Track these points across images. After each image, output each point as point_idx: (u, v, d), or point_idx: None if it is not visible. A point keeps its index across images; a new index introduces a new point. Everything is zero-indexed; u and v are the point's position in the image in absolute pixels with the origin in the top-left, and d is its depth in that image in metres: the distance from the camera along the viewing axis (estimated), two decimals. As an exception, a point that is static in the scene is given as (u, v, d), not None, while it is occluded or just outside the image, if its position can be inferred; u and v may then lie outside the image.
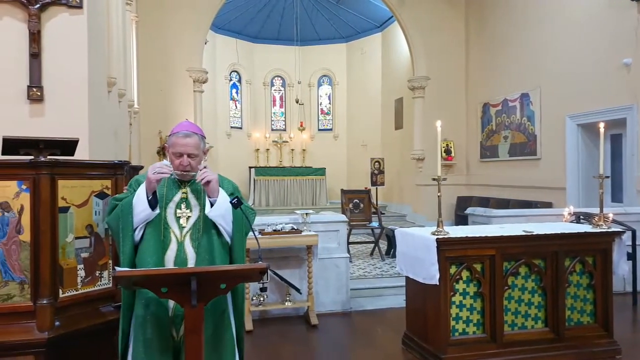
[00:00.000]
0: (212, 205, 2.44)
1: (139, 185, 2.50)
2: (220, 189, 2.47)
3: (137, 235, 2.44)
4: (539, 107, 8.78)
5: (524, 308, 4.10)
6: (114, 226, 2.47)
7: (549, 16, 8.55)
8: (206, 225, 2.47)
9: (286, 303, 5.37)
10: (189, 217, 2.45)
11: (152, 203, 2.38)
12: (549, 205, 8.17)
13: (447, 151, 11.25)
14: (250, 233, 2.60)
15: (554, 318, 4.12)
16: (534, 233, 4.12)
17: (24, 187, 3.17)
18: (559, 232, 4.17)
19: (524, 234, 4.10)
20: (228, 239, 2.53)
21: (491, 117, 10.39)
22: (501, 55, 10.03)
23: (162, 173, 2.36)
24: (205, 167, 2.46)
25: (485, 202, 9.83)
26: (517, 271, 4.07)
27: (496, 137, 10.20)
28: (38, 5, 4.62)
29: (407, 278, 4.41)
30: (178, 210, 2.46)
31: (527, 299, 4.11)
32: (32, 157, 3.31)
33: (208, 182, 2.40)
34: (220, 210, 2.44)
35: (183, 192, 2.49)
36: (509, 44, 9.75)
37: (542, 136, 8.74)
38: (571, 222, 4.93)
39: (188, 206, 2.47)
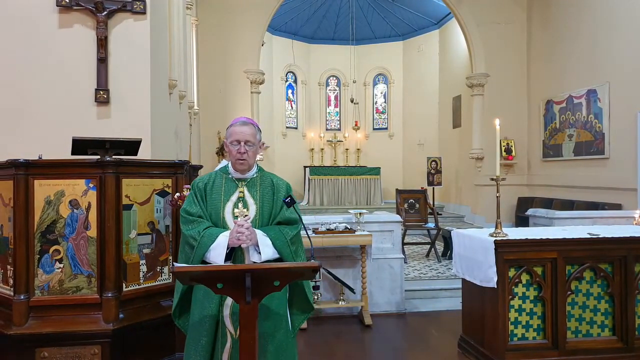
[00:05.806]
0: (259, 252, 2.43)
1: (199, 192, 2.52)
2: (256, 231, 2.43)
3: None
4: (607, 103, 8.31)
5: (589, 314, 3.91)
6: (187, 248, 2.47)
7: (619, 7, 8.07)
8: (262, 224, 2.52)
9: (340, 302, 5.37)
10: (245, 215, 2.47)
11: (227, 255, 2.40)
12: (617, 207, 7.72)
13: (508, 150, 10.86)
14: (303, 232, 2.62)
15: (622, 326, 3.89)
16: (600, 236, 3.91)
17: (91, 185, 3.35)
18: (628, 235, 3.94)
19: (588, 236, 3.91)
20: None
21: (554, 115, 9.93)
22: (566, 50, 9.56)
23: (240, 240, 2.37)
24: (247, 224, 2.41)
25: (548, 203, 9.42)
26: (581, 276, 3.88)
27: (560, 136, 9.75)
28: (105, 13, 4.88)
29: (464, 280, 4.31)
30: (235, 210, 2.49)
31: (592, 305, 3.91)
32: (98, 156, 3.50)
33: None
34: (268, 256, 2.43)
35: (240, 192, 2.53)
36: (575, 37, 9.27)
37: (611, 134, 8.26)
38: (642, 225, 4.65)
39: (245, 205, 2.51)
